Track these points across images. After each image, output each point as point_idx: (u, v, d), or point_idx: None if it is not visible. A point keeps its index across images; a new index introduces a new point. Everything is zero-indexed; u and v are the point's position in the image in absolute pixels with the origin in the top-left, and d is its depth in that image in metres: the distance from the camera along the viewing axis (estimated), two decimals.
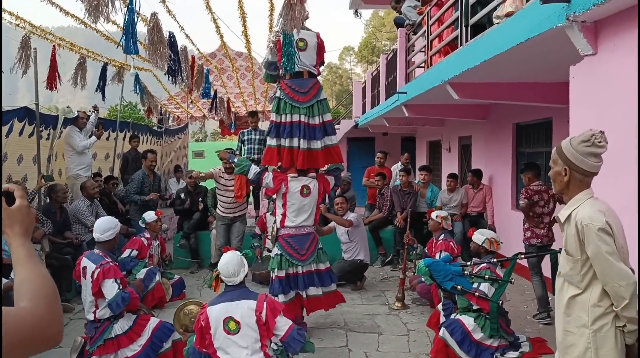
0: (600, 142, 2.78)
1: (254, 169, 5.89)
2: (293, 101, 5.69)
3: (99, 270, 4.69)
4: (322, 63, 6.19)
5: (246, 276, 4.00)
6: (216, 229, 8.42)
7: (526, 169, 6.72)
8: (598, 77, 3.73)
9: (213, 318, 3.79)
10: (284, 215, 5.83)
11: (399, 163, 11.57)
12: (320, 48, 5.93)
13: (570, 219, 2.80)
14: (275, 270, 5.72)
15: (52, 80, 8.08)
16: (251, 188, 8.33)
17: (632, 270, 2.79)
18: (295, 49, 5.47)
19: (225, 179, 8.09)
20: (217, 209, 8.44)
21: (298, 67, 5.65)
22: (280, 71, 5.77)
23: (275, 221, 6.03)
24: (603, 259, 2.64)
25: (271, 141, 5.80)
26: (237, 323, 3.76)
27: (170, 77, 7.83)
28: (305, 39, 5.73)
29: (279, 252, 5.78)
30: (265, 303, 3.82)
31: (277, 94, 5.82)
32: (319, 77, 6.17)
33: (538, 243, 6.35)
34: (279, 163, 5.89)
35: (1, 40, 5.56)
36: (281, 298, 5.64)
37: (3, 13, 6.81)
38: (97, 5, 4.90)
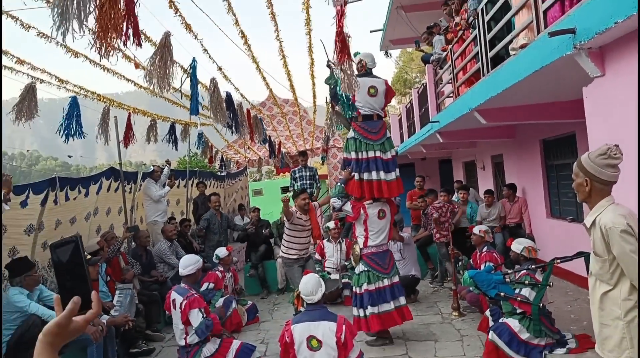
0: (615, 154, 2.87)
1: (336, 200, 6.20)
2: (367, 139, 6.02)
3: (185, 301, 4.97)
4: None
5: (324, 296, 4.12)
6: (291, 273, 7.36)
7: (428, 194, 9.66)
8: (608, 95, 3.80)
9: (297, 335, 3.94)
10: (366, 237, 6.10)
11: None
12: (388, 93, 6.26)
13: (595, 224, 2.88)
14: (365, 284, 5.97)
15: (128, 139, 8.60)
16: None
17: None
18: (351, 101, 5.94)
19: (304, 221, 7.32)
20: (287, 253, 7.30)
21: (369, 111, 6.05)
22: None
23: (355, 243, 6.25)
24: (628, 257, 2.71)
25: (355, 175, 6.05)
26: (320, 342, 3.89)
27: (230, 130, 8.24)
28: (375, 86, 6.08)
29: (366, 269, 6.04)
30: (344, 326, 3.96)
31: (352, 135, 6.10)
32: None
33: (444, 240, 8.58)
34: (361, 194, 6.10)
35: (1, 87, 5.96)
36: (368, 310, 5.90)
37: (79, 89, 7.28)
38: (160, 80, 5.30)
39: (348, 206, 6.12)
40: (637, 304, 2.76)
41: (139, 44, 3.42)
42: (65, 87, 6.82)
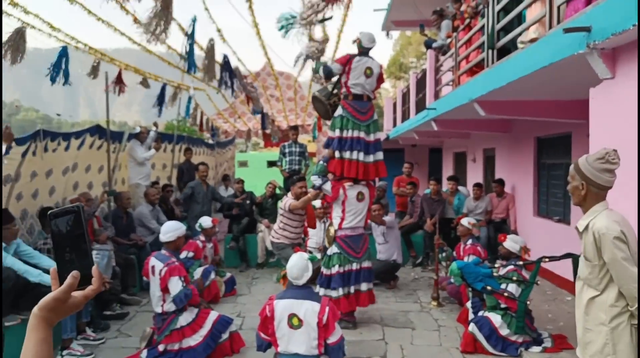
0: (613, 159, 2.88)
1: (317, 179, 6.23)
2: (355, 119, 6.02)
3: (165, 268, 4.93)
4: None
5: (310, 279, 4.08)
6: (285, 253, 7.09)
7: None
8: (615, 99, 3.80)
9: (279, 311, 3.92)
10: (342, 218, 6.11)
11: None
12: (380, 78, 6.26)
13: (588, 229, 2.90)
14: (336, 266, 6.00)
15: (121, 88, 8.46)
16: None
17: None
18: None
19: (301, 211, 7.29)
20: (279, 240, 7.29)
21: (361, 91, 6.06)
22: (342, 90, 6.14)
23: (331, 225, 6.24)
24: (619, 264, 2.74)
25: (337, 154, 6.05)
26: (300, 320, 3.88)
27: (231, 90, 8.16)
28: (372, 68, 6.09)
29: (338, 251, 6.06)
30: (327, 308, 3.94)
31: (340, 113, 6.09)
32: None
33: None
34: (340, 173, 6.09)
35: (1, 47, 5.81)
36: (337, 292, 5.94)
37: (71, 40, 7.09)
38: (155, 32, 5.22)
39: (328, 186, 6.13)
40: (622, 311, 2.80)
41: None
42: (56, 37, 6.65)
